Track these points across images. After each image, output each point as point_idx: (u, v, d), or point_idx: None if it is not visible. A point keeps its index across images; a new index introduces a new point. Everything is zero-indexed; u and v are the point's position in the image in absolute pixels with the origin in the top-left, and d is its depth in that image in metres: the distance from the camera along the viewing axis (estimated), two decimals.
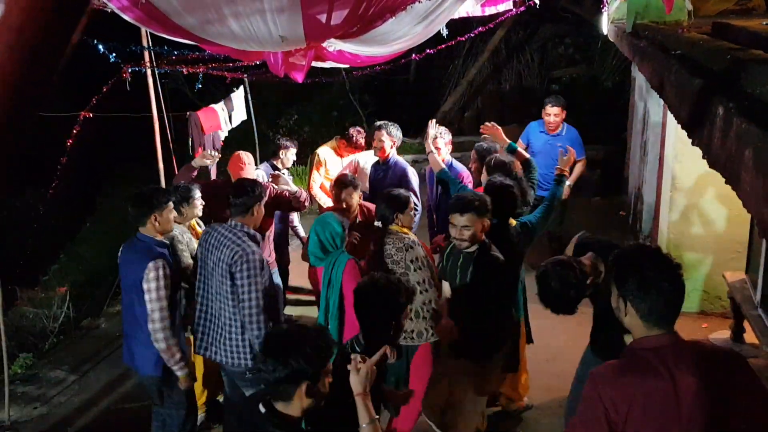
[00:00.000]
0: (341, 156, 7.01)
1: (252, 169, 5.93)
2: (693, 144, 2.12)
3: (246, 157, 5.92)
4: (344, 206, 5.30)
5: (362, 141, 6.95)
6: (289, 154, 6.62)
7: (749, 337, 5.69)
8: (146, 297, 4.02)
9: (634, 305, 2.34)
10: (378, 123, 6.21)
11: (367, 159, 6.56)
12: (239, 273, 4.02)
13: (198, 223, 5.27)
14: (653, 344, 2.32)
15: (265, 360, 2.43)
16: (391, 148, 6.13)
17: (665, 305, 2.32)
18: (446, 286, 4.32)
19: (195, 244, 4.88)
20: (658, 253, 2.41)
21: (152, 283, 4.01)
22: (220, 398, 5.16)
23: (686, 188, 6.30)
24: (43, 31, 0.48)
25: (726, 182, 1.74)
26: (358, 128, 7.15)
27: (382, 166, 6.17)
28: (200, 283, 4.37)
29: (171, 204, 4.29)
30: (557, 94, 7.43)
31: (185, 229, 4.97)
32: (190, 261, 4.81)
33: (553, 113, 6.84)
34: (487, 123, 5.42)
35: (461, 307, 4.17)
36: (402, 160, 6.25)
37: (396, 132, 6.13)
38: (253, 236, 4.20)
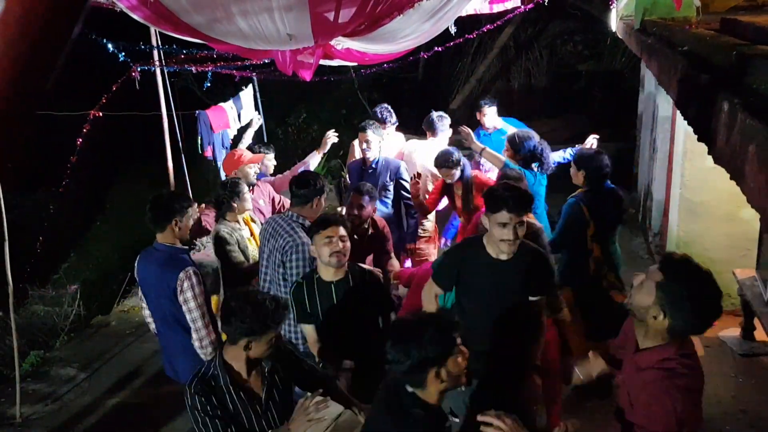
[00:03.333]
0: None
1: (248, 155, 5.95)
2: (699, 140, 2.12)
3: (238, 151, 5.97)
4: (356, 214, 5.04)
5: (393, 118, 6.71)
6: (266, 161, 6.35)
7: (759, 334, 5.67)
8: (185, 308, 3.87)
9: (671, 318, 2.38)
10: (362, 123, 6.07)
11: (415, 147, 6.39)
12: (289, 262, 4.07)
13: (253, 218, 5.29)
14: (668, 354, 2.43)
15: (393, 349, 2.52)
16: (379, 144, 6.03)
17: (700, 327, 2.42)
18: None
19: (247, 241, 4.97)
20: (705, 275, 2.39)
21: (188, 292, 3.85)
22: None
23: (695, 185, 6.26)
24: (44, 27, 0.49)
25: (730, 178, 1.74)
26: (386, 105, 6.82)
27: (371, 164, 5.96)
28: (263, 270, 4.42)
29: (191, 210, 4.10)
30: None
31: (235, 227, 4.99)
32: (242, 258, 4.88)
33: (488, 113, 6.75)
34: (464, 127, 5.81)
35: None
36: (392, 158, 6.17)
37: (379, 130, 6.05)
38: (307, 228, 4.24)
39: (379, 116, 6.59)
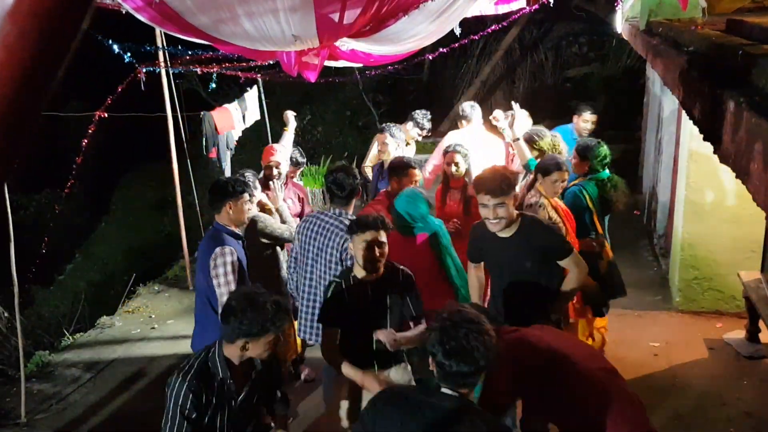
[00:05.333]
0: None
1: (283, 153, 5.93)
2: (704, 139, 2.12)
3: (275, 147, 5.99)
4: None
5: (428, 125, 6.84)
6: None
7: (764, 336, 5.66)
8: (214, 282, 4.12)
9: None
10: (381, 126, 6.17)
11: (456, 138, 6.20)
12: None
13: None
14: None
15: (460, 364, 2.39)
16: (396, 149, 6.07)
17: None
18: None
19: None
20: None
21: (219, 268, 4.10)
22: None
23: (701, 187, 6.25)
24: (56, 17, 0.49)
25: (736, 177, 1.74)
26: (424, 111, 6.92)
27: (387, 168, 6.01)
28: (299, 270, 4.47)
29: (246, 196, 4.34)
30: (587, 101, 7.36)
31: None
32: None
33: (591, 120, 6.69)
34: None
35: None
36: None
37: (399, 134, 6.09)
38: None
39: (419, 121, 6.72)
